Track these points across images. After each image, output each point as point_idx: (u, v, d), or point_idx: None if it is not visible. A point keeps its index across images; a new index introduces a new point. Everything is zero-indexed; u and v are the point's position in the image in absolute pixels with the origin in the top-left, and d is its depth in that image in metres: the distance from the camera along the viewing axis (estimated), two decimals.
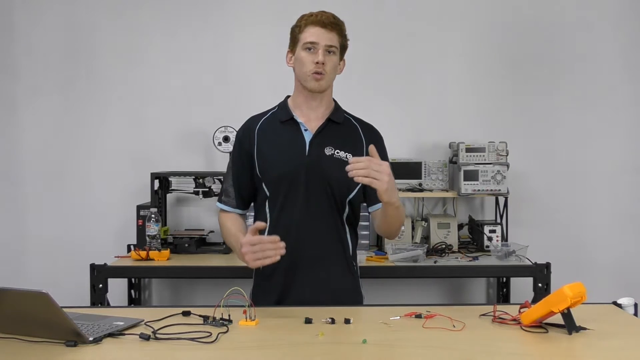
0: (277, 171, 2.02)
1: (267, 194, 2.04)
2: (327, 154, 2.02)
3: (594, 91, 3.65)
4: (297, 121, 2.06)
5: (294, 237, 2.00)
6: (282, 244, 1.79)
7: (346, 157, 2.01)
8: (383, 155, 2.10)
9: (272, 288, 2.03)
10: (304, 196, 2.00)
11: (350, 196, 2.04)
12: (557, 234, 3.64)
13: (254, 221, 2.11)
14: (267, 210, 2.05)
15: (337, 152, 2.03)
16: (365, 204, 2.15)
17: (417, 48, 3.65)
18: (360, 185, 2.04)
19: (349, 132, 2.08)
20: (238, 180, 2.09)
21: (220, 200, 2.13)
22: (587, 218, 3.66)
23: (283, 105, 2.11)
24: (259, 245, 1.79)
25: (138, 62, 3.63)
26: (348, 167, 1.77)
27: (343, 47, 2.05)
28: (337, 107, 2.11)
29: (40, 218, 3.63)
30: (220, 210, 2.14)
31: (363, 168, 1.76)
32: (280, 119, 2.07)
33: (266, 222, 2.06)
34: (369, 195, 2.09)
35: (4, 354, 1.46)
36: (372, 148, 1.82)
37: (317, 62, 1.96)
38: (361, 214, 2.19)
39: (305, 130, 2.05)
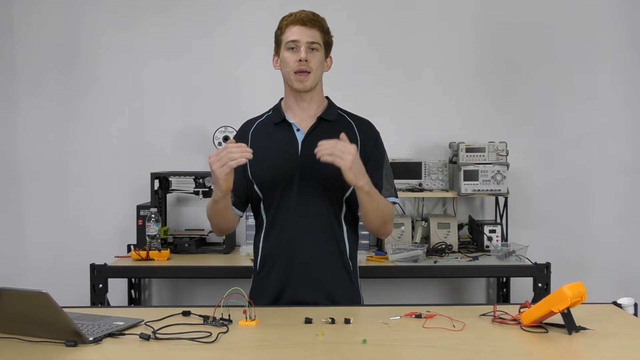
0: (271, 173, 2.02)
1: (261, 196, 2.04)
2: None
3: (594, 91, 3.65)
4: (289, 122, 2.06)
5: (289, 237, 2.00)
6: (250, 150, 1.81)
7: None
8: (378, 150, 2.09)
9: (269, 288, 2.03)
10: (298, 196, 2.00)
11: (347, 194, 2.03)
12: (557, 234, 3.64)
13: (255, 224, 2.11)
14: (263, 212, 2.06)
15: None
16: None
17: (418, 48, 3.65)
18: None
19: (342, 129, 2.06)
20: (235, 183, 2.08)
21: None
22: (587, 218, 3.66)
23: (276, 108, 2.12)
24: (224, 152, 1.81)
25: (138, 62, 3.63)
26: (316, 149, 1.81)
27: (327, 44, 2.05)
28: (329, 105, 2.11)
29: (40, 218, 3.63)
30: None
31: (328, 148, 1.80)
32: (274, 121, 2.08)
33: (263, 224, 2.06)
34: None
35: (4, 354, 1.46)
36: (342, 134, 1.85)
37: (300, 60, 1.97)
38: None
39: (298, 130, 2.05)
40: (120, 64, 3.62)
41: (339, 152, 1.80)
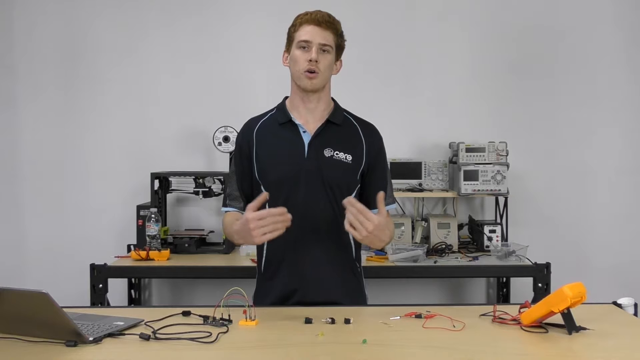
0: (277, 174, 2.02)
1: (267, 197, 2.04)
2: (327, 155, 2.01)
3: (594, 91, 3.66)
4: (295, 123, 2.05)
5: (294, 240, 2.00)
6: (289, 216, 1.78)
7: (346, 158, 2.02)
8: (382, 157, 2.11)
9: (275, 290, 2.03)
10: (304, 199, 1.99)
11: (351, 197, 2.04)
12: (557, 234, 3.64)
13: None
14: None
15: (337, 154, 2.02)
16: None
17: (418, 48, 3.65)
18: (359, 185, 2.06)
19: (348, 132, 2.08)
20: (242, 184, 2.08)
21: (225, 205, 2.12)
22: (587, 218, 3.66)
23: (281, 107, 2.10)
24: (268, 219, 1.77)
25: (138, 62, 3.63)
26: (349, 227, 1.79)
27: (339, 47, 2.04)
28: (336, 108, 2.10)
29: (40, 218, 3.63)
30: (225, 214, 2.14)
31: (351, 218, 1.79)
32: (279, 121, 2.07)
33: None
34: (366, 198, 2.09)
35: (4, 354, 1.46)
36: (349, 199, 1.80)
37: (310, 60, 1.96)
38: None
39: (304, 132, 2.04)
40: (120, 64, 3.62)
41: (358, 224, 1.78)
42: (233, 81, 3.63)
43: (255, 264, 2.18)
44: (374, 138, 2.10)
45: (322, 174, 1.99)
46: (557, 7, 3.65)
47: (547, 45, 3.65)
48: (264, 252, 2.07)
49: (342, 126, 2.07)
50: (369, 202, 2.10)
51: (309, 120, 2.05)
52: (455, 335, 1.61)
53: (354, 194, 2.04)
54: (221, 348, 1.51)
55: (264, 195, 1.83)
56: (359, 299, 2.09)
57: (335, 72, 2.07)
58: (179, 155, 3.62)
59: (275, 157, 2.03)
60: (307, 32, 1.97)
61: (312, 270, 2.00)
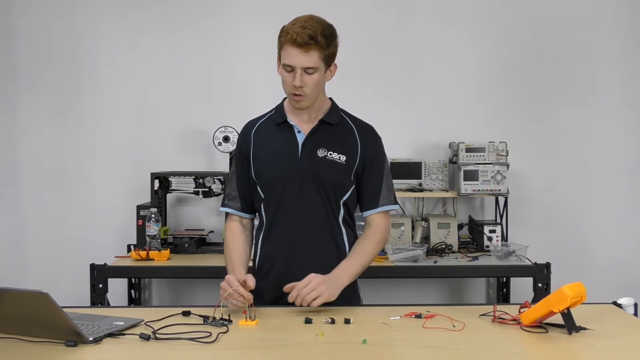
0: (271, 174, 2.02)
1: (262, 196, 2.04)
2: (320, 155, 2.01)
3: (594, 91, 3.65)
4: (290, 124, 2.05)
5: (288, 239, 2.01)
6: (251, 298, 1.79)
7: (339, 159, 2.02)
8: (378, 158, 2.09)
9: (268, 289, 2.03)
10: (297, 199, 2.00)
11: (345, 197, 2.04)
12: (557, 234, 3.64)
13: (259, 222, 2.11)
14: (263, 212, 2.06)
15: (331, 154, 2.02)
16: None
17: (418, 48, 3.65)
18: (353, 186, 2.05)
19: (343, 132, 2.07)
20: (242, 185, 2.09)
21: (224, 205, 2.13)
22: (587, 218, 3.66)
23: (279, 108, 2.11)
24: (234, 291, 1.78)
25: (138, 62, 3.63)
26: (293, 301, 1.82)
27: (328, 57, 1.95)
28: (332, 108, 2.10)
29: (40, 218, 3.63)
30: (227, 217, 2.14)
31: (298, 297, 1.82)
32: (276, 121, 2.07)
33: (263, 224, 2.07)
34: (361, 199, 2.09)
35: (4, 354, 1.46)
36: (286, 288, 1.85)
37: (295, 86, 1.93)
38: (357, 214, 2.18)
39: (299, 132, 2.04)
40: (120, 64, 3.62)
41: (309, 297, 1.80)
42: (233, 81, 3.63)
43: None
44: (370, 139, 2.09)
45: (315, 174, 2.00)
46: (557, 7, 3.64)
47: (546, 45, 3.65)
48: (259, 250, 2.08)
49: (337, 126, 2.07)
50: (363, 204, 2.09)
51: (304, 120, 2.06)
52: (455, 335, 1.61)
53: (348, 194, 2.04)
54: (221, 348, 1.51)
55: (251, 283, 1.85)
56: (353, 300, 2.06)
57: (329, 77, 2.02)
58: (179, 155, 3.62)
59: (270, 158, 2.03)
60: (290, 56, 1.90)
61: (305, 270, 1.99)
